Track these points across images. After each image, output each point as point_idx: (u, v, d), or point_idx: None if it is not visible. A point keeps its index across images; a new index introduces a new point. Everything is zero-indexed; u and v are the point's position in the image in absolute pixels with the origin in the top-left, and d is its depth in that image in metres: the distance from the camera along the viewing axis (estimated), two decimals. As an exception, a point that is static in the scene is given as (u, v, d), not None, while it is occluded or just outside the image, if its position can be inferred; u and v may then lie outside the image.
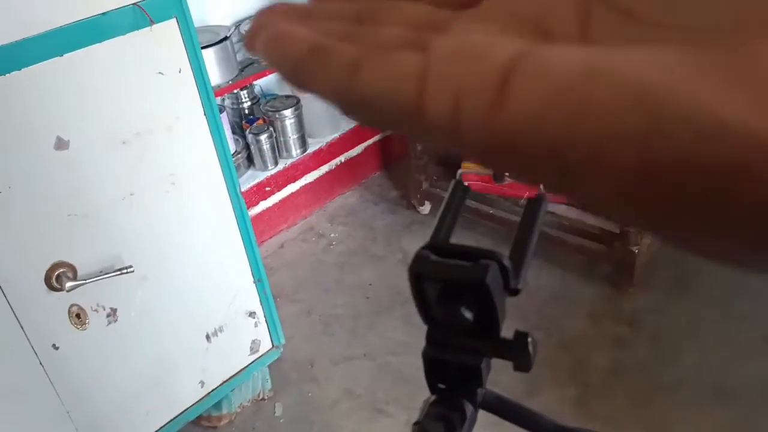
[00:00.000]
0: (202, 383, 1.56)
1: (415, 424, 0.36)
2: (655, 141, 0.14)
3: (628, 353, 1.82)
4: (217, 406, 1.69)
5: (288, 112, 2.24)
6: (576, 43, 0.20)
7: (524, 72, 0.16)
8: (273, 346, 1.71)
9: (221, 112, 2.06)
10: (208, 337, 1.54)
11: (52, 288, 1.21)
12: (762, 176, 0.13)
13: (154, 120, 1.27)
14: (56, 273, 1.21)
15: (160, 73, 1.26)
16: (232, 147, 2.17)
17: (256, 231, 1.57)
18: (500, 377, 0.39)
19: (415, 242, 2.26)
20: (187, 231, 1.41)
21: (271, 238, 2.38)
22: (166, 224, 1.36)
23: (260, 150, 2.23)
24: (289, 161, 2.33)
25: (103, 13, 1.15)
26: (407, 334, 1.93)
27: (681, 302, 1.92)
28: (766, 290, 1.91)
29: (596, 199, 0.17)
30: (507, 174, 0.24)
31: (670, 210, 0.15)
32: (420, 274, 0.34)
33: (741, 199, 0.13)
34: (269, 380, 1.79)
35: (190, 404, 1.55)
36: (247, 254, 1.54)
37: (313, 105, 2.34)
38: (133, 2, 1.18)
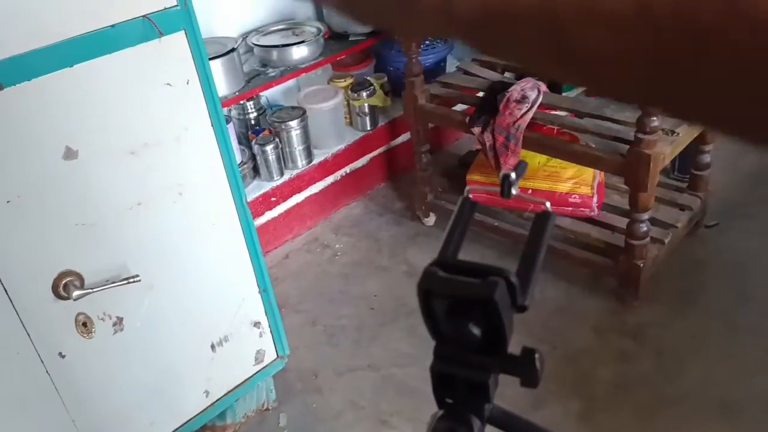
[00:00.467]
0: (207, 393, 1.57)
1: None
2: None
3: (632, 367, 1.81)
4: (222, 416, 1.69)
5: (294, 123, 2.25)
6: None
7: None
8: (278, 356, 1.71)
9: (228, 122, 2.08)
10: (213, 346, 1.54)
11: (59, 296, 1.22)
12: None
13: (162, 131, 1.29)
14: (63, 281, 1.21)
15: (168, 84, 1.27)
16: (238, 157, 2.19)
17: (261, 241, 1.57)
18: (505, 390, 0.39)
19: (419, 254, 2.26)
20: (194, 241, 1.41)
21: (276, 248, 2.38)
22: (173, 234, 1.37)
23: (266, 160, 2.25)
24: (295, 172, 2.34)
25: (113, 25, 1.16)
26: (412, 346, 1.93)
27: (686, 316, 1.92)
28: (772, 304, 1.90)
29: (595, 64, 0.17)
30: (497, 53, 0.23)
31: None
32: (428, 291, 0.34)
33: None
34: (273, 390, 1.79)
35: (195, 414, 1.55)
36: (252, 264, 1.55)
37: (319, 116, 2.35)
38: (143, 14, 1.19)
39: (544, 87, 1.96)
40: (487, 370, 0.35)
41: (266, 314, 1.63)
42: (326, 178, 2.45)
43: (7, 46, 1.06)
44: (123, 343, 1.35)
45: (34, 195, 1.15)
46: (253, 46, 2.28)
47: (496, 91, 2.00)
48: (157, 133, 1.28)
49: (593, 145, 1.93)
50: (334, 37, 2.42)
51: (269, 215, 2.31)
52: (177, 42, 1.25)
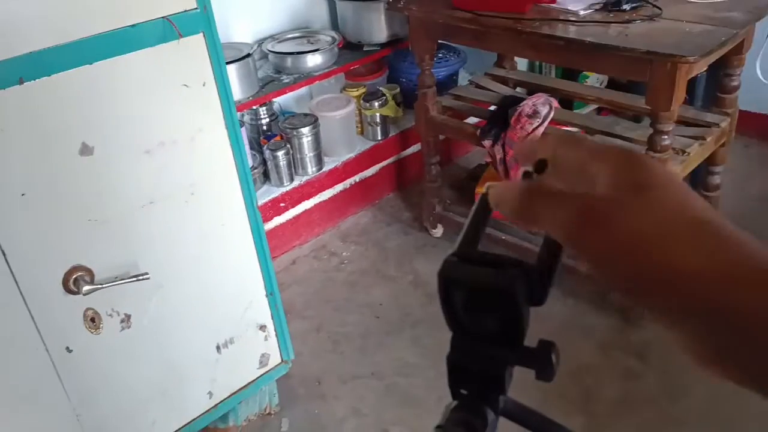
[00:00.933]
0: (211, 394, 1.57)
1: (437, 428, 0.36)
2: None
3: (637, 385, 1.80)
4: (224, 418, 1.69)
5: (306, 130, 2.27)
6: None
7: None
8: (282, 360, 1.71)
9: (240, 127, 2.10)
10: (218, 348, 1.54)
11: (69, 291, 1.23)
12: None
13: (178, 131, 1.30)
14: (74, 276, 1.22)
15: (185, 85, 1.29)
16: (249, 162, 2.20)
17: (269, 246, 1.58)
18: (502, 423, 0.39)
19: (426, 264, 2.27)
20: (204, 241, 1.42)
21: (283, 254, 2.39)
22: (184, 234, 1.38)
23: (277, 166, 2.26)
24: (305, 178, 2.35)
25: (133, 25, 1.18)
26: (416, 356, 1.93)
27: (692, 335, 1.91)
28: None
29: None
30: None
31: None
32: (448, 280, 0.35)
33: None
34: (276, 395, 1.79)
35: (198, 414, 1.55)
36: (260, 267, 1.55)
37: (331, 124, 2.37)
38: (163, 16, 1.21)
39: (555, 103, 1.97)
40: (503, 362, 0.36)
41: (272, 318, 1.63)
42: (336, 186, 2.46)
43: (29, 42, 1.07)
44: (129, 340, 1.36)
45: (48, 189, 1.16)
46: (268, 52, 2.31)
47: (508, 105, 2.01)
48: (173, 132, 1.29)
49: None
50: (348, 47, 2.44)
51: (278, 220, 2.32)
52: (195, 44, 1.27)
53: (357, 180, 2.53)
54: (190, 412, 1.55)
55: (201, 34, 1.27)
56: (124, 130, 1.23)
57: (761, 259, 0.28)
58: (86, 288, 1.22)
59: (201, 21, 1.26)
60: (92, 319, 1.29)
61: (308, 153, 2.32)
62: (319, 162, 2.38)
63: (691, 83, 1.84)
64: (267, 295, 1.60)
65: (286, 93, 2.27)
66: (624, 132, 1.86)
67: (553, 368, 0.34)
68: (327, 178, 2.42)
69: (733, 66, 1.87)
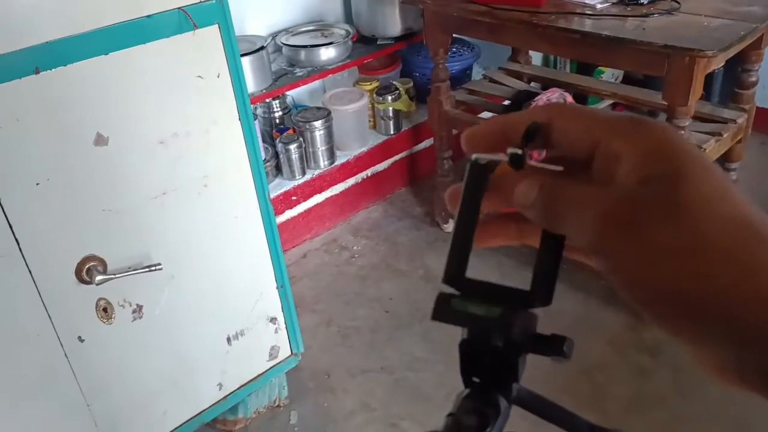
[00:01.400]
0: (221, 385, 1.57)
1: (449, 415, 0.36)
2: None
3: (649, 383, 1.79)
4: (233, 410, 1.69)
5: (318, 124, 2.26)
6: None
7: None
8: (292, 353, 1.71)
9: (253, 119, 2.09)
10: (229, 339, 1.55)
11: (81, 280, 1.23)
12: None
13: (192, 122, 1.30)
14: (87, 266, 1.23)
15: (199, 77, 1.29)
16: (261, 155, 2.20)
17: (280, 239, 1.58)
18: (515, 412, 0.39)
19: (437, 259, 2.26)
20: (216, 233, 1.42)
21: (294, 247, 2.39)
22: (196, 225, 1.38)
23: (289, 159, 2.26)
24: (317, 172, 2.35)
25: (149, 16, 1.18)
26: (426, 351, 1.92)
27: (705, 334, 1.89)
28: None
29: None
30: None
31: None
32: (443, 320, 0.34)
33: None
34: (286, 388, 1.80)
35: (208, 406, 1.56)
36: (272, 260, 1.55)
37: (344, 118, 2.36)
38: (179, 7, 1.21)
39: (570, 98, 1.96)
40: (517, 349, 0.35)
41: (283, 310, 1.63)
42: (347, 180, 2.46)
43: (45, 32, 1.07)
44: (141, 330, 1.36)
45: (63, 179, 1.17)
46: (282, 45, 2.30)
47: (522, 99, 2.00)
48: (187, 124, 1.29)
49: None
50: (362, 41, 2.44)
51: (289, 214, 2.32)
52: (210, 35, 1.27)
53: (369, 174, 2.52)
54: (200, 403, 1.55)
55: (216, 25, 1.27)
56: (139, 121, 1.23)
57: None
58: (99, 278, 1.22)
59: (216, 12, 1.26)
60: (104, 309, 1.29)
61: (320, 147, 2.32)
62: (332, 156, 2.37)
63: (708, 79, 1.82)
64: (278, 288, 1.60)
65: (299, 86, 2.27)
66: (639, 128, 1.84)
67: (565, 356, 0.34)
68: (339, 172, 2.41)
69: (751, 61, 1.85)
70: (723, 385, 0.27)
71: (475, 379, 0.36)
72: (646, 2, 1.75)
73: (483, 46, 2.59)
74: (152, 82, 1.23)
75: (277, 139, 2.26)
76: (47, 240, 1.18)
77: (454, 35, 2.13)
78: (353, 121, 2.40)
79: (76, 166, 1.18)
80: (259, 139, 2.14)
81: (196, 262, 1.42)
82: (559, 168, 0.31)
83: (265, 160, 2.22)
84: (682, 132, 1.64)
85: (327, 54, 2.28)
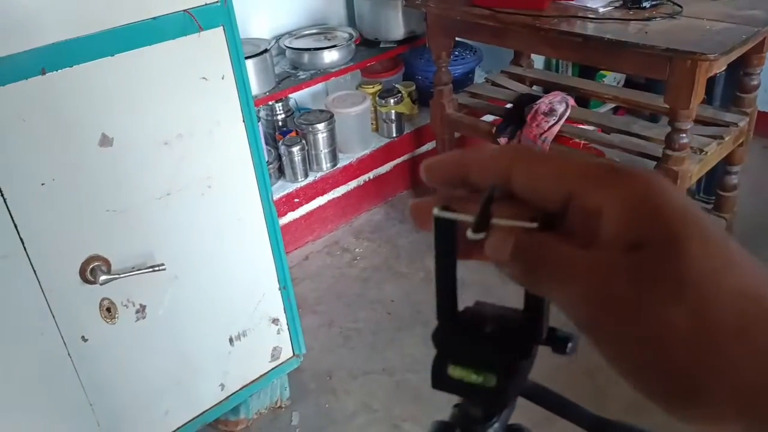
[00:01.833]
0: (223, 386, 1.58)
1: (455, 406, 0.36)
2: None
3: (650, 386, 1.79)
4: (235, 411, 1.70)
5: (321, 126, 2.27)
6: None
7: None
8: (294, 354, 1.71)
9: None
10: (231, 340, 1.55)
11: (86, 280, 1.24)
12: None
13: (196, 123, 1.31)
14: (91, 266, 1.23)
15: (204, 78, 1.29)
16: (265, 157, 2.21)
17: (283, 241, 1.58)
18: (522, 403, 0.39)
19: (439, 262, 2.26)
20: (219, 234, 1.43)
21: (296, 249, 2.40)
22: (200, 225, 1.39)
23: (291, 161, 2.27)
24: (319, 174, 2.36)
25: (155, 18, 1.19)
26: (427, 352, 1.91)
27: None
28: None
29: None
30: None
31: None
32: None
33: None
34: (287, 389, 1.80)
35: (209, 406, 1.56)
36: (274, 261, 1.56)
37: (346, 121, 2.37)
38: (184, 9, 1.21)
39: (572, 101, 1.96)
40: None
41: (285, 311, 1.64)
42: (350, 183, 2.46)
43: (51, 33, 1.08)
44: (144, 330, 1.37)
45: (67, 179, 1.18)
46: (285, 48, 2.31)
47: (524, 102, 2.01)
48: (191, 125, 1.30)
49: (618, 161, 1.92)
50: (365, 44, 2.45)
51: (291, 216, 2.33)
52: (215, 37, 1.28)
53: (371, 177, 2.53)
54: (202, 403, 1.56)
55: (221, 27, 1.28)
56: (143, 122, 1.24)
57: None
58: (103, 278, 1.23)
59: (221, 14, 1.27)
60: (108, 309, 1.30)
61: (323, 149, 2.33)
62: (334, 158, 2.38)
63: (710, 83, 1.83)
64: (280, 289, 1.60)
65: (302, 89, 2.28)
66: (641, 131, 1.85)
67: (567, 351, 0.34)
68: (341, 175, 2.42)
69: (753, 65, 1.85)
70: None
71: None
72: (648, 6, 1.76)
73: (485, 49, 2.60)
74: (157, 83, 1.24)
75: (280, 142, 2.27)
76: (52, 240, 1.19)
77: (456, 38, 2.14)
78: (356, 123, 2.41)
79: (81, 167, 1.19)
80: (262, 142, 2.15)
81: (199, 262, 1.42)
82: (533, 225, 0.27)
83: (268, 163, 2.23)
84: (684, 135, 1.65)
85: (330, 57, 2.29)
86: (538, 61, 2.59)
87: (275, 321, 1.63)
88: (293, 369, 1.74)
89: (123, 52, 1.17)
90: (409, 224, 2.49)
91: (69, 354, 1.28)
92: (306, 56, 2.28)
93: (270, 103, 2.29)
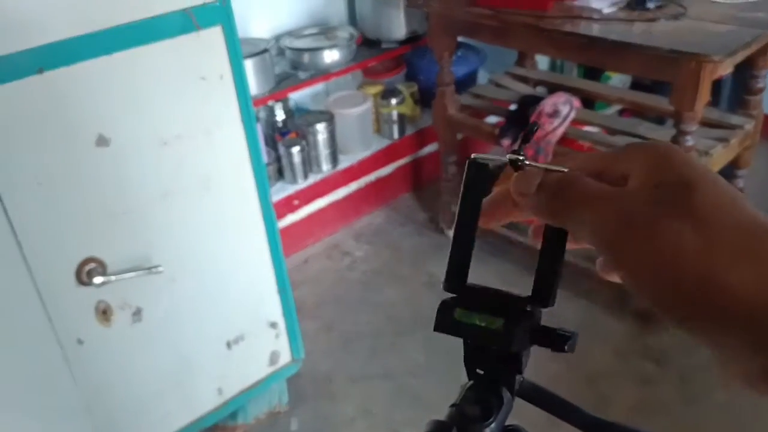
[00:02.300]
0: (220, 390, 1.55)
1: (452, 406, 0.36)
2: None
3: (653, 391, 1.77)
4: (233, 416, 1.68)
5: (321, 127, 2.25)
6: None
7: None
8: (292, 359, 1.69)
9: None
10: (228, 344, 1.53)
11: (81, 282, 1.22)
12: None
13: (194, 124, 1.29)
14: (87, 268, 1.22)
15: (202, 78, 1.27)
16: (263, 158, 2.19)
17: (281, 244, 1.56)
18: (523, 409, 0.38)
19: (441, 266, 2.23)
20: (217, 235, 1.41)
21: (295, 252, 2.37)
22: (197, 227, 1.37)
23: (291, 163, 2.25)
24: (319, 176, 2.34)
25: (153, 17, 1.17)
26: (428, 357, 1.91)
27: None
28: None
29: None
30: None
31: None
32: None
33: None
34: (286, 394, 1.78)
35: (207, 411, 1.54)
36: (273, 264, 1.54)
37: (347, 122, 2.35)
38: (183, 8, 1.20)
39: (577, 102, 1.94)
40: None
41: (283, 316, 1.62)
42: (350, 185, 2.44)
43: (49, 32, 1.07)
44: (140, 333, 1.35)
45: (64, 179, 1.16)
46: (285, 48, 2.29)
47: (528, 104, 1.99)
48: (189, 125, 1.28)
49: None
50: (367, 44, 2.43)
51: (291, 218, 2.31)
52: (214, 37, 1.26)
53: (372, 179, 2.51)
54: (199, 408, 1.53)
55: (219, 27, 1.26)
56: (141, 122, 1.22)
57: None
58: (99, 279, 1.21)
59: (220, 14, 1.25)
60: (104, 312, 1.28)
61: (323, 150, 2.31)
62: (334, 160, 2.36)
63: (716, 85, 1.81)
64: (279, 293, 1.58)
65: (302, 89, 2.26)
66: (646, 133, 1.83)
67: (565, 351, 0.34)
68: (342, 177, 2.40)
69: (758, 67, 1.83)
70: (752, 394, 0.27)
71: (479, 371, 0.36)
72: (652, 7, 1.74)
73: (489, 50, 2.58)
74: (155, 82, 1.22)
75: (280, 143, 2.25)
76: (48, 240, 1.17)
77: (459, 39, 2.12)
78: (357, 124, 2.39)
79: (78, 167, 1.17)
80: (262, 143, 2.13)
81: (197, 265, 1.40)
82: (564, 168, 0.31)
83: (267, 164, 2.21)
84: (689, 137, 1.63)
85: (331, 57, 2.27)
86: (542, 61, 2.57)
87: (273, 325, 1.61)
88: (292, 374, 1.72)
89: (121, 51, 1.15)
90: (411, 227, 2.47)
91: (65, 357, 1.26)
92: (306, 56, 2.26)
93: (269, 103, 2.27)
